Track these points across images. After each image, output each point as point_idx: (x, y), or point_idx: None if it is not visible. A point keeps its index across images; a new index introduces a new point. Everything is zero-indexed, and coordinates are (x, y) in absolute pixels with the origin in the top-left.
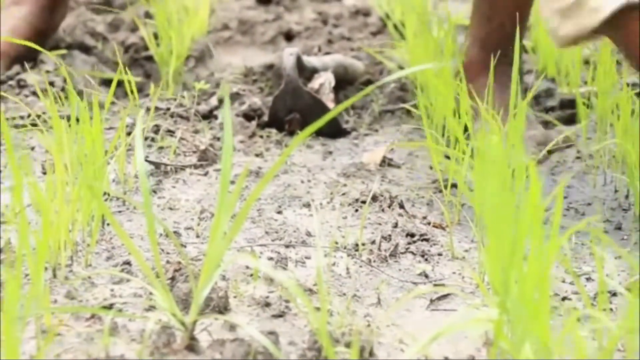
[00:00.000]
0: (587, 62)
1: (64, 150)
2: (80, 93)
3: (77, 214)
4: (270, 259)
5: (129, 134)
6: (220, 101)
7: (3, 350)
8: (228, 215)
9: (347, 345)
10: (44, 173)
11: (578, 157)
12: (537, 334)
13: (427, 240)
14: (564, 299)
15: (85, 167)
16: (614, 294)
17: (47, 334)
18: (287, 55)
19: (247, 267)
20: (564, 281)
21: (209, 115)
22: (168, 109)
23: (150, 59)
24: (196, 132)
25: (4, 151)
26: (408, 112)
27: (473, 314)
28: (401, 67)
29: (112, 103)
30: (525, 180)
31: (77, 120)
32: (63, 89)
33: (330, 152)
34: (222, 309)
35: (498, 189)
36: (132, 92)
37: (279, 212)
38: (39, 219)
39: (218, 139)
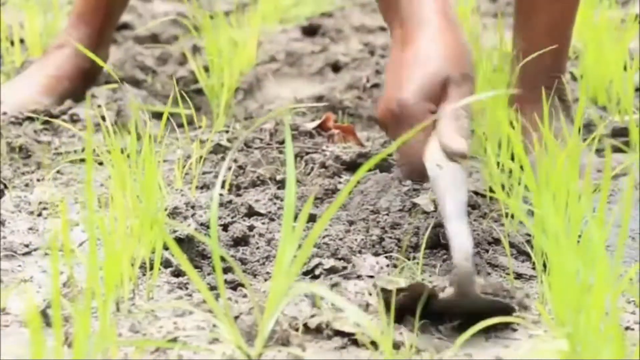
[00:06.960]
0: (639, 90)
1: (124, 183)
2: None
3: (137, 246)
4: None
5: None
6: (271, 134)
7: None
8: (293, 248)
9: None
10: (100, 207)
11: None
12: None
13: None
14: (626, 328)
15: (145, 200)
16: None
17: None
18: (463, 261)
19: (307, 296)
20: (625, 310)
21: (262, 147)
22: (220, 141)
23: (199, 91)
24: (251, 163)
25: (50, 185)
26: None
27: (540, 346)
28: None
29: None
30: (585, 208)
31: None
32: (116, 123)
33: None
34: (285, 341)
35: (561, 218)
36: (190, 123)
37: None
38: (98, 252)
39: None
